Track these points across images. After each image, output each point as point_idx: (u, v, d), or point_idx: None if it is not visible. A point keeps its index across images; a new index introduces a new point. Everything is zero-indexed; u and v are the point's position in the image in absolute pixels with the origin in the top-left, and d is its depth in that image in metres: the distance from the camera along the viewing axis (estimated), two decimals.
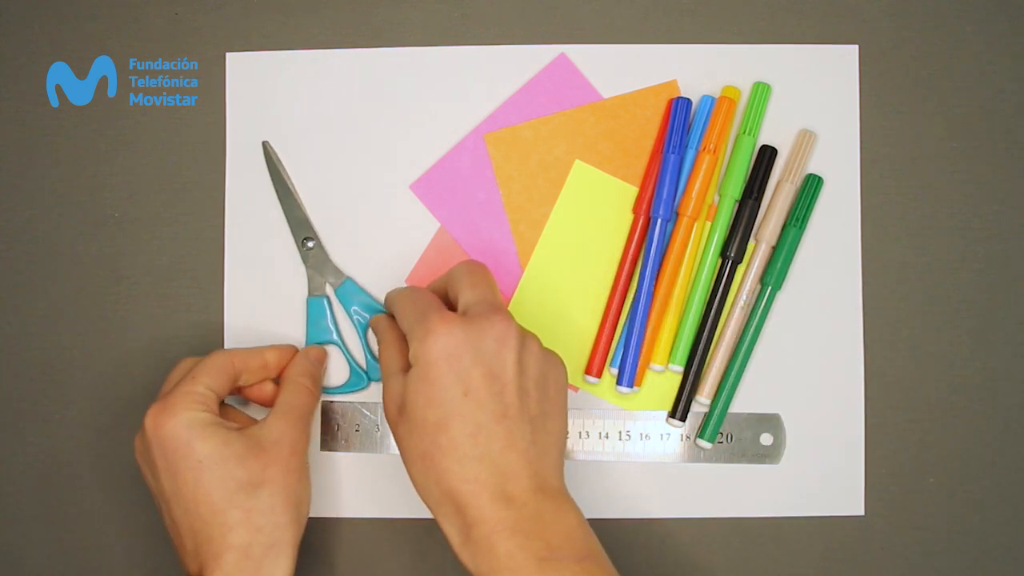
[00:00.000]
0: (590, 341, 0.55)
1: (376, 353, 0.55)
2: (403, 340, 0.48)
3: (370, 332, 0.55)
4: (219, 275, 0.56)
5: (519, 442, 0.44)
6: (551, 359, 0.47)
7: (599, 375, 0.55)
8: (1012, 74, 0.56)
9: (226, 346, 0.56)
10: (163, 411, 0.47)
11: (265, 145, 0.56)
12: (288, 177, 0.56)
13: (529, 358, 0.45)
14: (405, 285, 0.54)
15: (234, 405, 0.54)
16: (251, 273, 0.56)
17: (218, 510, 0.46)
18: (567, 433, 0.46)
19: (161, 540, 0.55)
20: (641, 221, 0.55)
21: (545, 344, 0.47)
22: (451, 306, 0.49)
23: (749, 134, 0.55)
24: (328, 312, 0.55)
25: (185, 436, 0.46)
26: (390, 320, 0.51)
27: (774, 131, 0.56)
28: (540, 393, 0.45)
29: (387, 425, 0.50)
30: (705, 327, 0.55)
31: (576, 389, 0.55)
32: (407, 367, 0.47)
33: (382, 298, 0.55)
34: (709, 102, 0.55)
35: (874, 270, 0.56)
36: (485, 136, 0.56)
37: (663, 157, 0.54)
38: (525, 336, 0.46)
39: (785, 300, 0.55)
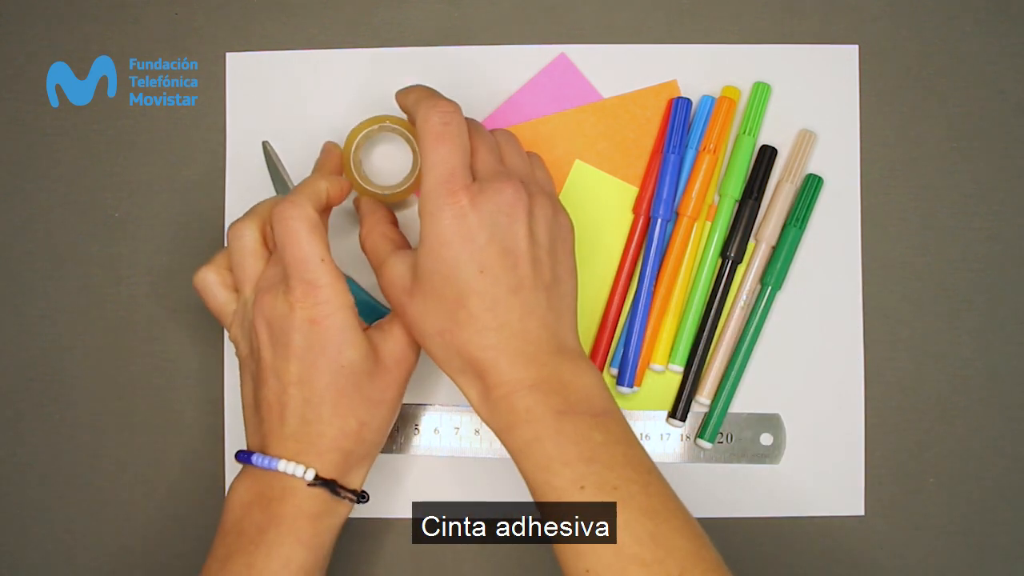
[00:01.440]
0: (590, 341, 0.55)
1: None
2: (391, 219, 0.51)
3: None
4: None
5: (536, 310, 0.45)
6: (559, 222, 0.48)
7: None
8: (1012, 74, 0.56)
9: (226, 347, 0.56)
10: (320, 303, 0.45)
11: (265, 145, 0.56)
12: (288, 177, 0.56)
13: (539, 227, 0.46)
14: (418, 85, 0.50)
15: None
16: None
17: (341, 415, 0.46)
18: (577, 292, 0.48)
19: (160, 540, 0.55)
20: (641, 221, 0.55)
21: None
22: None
23: (749, 134, 0.55)
24: None
25: (337, 339, 0.46)
26: (375, 203, 0.52)
27: (774, 131, 0.56)
28: (551, 259, 0.46)
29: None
30: (705, 327, 0.55)
31: None
32: (402, 244, 0.49)
33: (382, 298, 0.55)
34: (709, 102, 0.55)
35: (874, 270, 0.56)
36: None
37: (663, 157, 0.54)
38: (534, 203, 0.46)
39: (785, 300, 0.55)
